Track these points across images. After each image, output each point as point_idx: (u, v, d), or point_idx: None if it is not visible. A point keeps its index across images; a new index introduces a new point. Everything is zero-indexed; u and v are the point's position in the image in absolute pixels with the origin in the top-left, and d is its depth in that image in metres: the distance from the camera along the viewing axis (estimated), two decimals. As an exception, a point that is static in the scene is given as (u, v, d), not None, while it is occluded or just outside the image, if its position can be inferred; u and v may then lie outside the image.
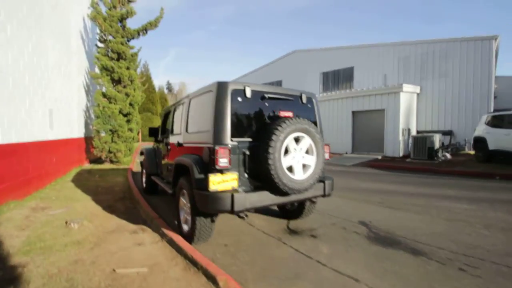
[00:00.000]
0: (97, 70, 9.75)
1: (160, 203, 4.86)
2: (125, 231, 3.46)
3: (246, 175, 2.86)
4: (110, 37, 9.50)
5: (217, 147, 2.60)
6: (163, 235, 3.17)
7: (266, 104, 3.06)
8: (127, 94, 9.81)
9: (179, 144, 3.72)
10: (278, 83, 24.07)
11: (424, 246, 2.97)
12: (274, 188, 2.73)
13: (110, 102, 9.35)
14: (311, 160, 2.99)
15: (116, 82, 9.75)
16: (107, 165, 9.64)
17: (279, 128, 2.68)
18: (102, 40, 9.60)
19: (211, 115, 2.82)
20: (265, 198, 2.77)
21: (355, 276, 2.36)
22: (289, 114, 3.16)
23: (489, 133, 8.67)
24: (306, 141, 2.94)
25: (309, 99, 3.50)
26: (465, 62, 13.74)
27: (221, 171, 2.61)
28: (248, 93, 2.90)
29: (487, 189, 6.03)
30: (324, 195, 3.26)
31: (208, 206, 2.60)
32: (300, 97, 3.39)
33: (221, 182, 2.57)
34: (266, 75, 24.66)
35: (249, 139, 2.89)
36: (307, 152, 3.00)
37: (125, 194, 5.60)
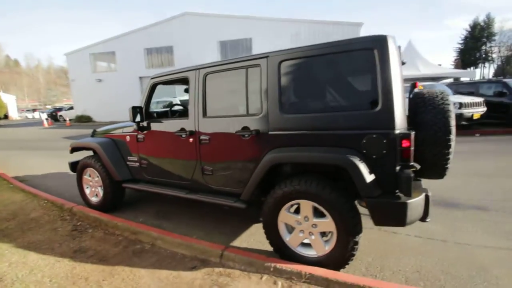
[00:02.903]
0: None
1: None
2: None
3: None
4: None
5: (403, 134, 1.80)
6: (281, 274, 2.07)
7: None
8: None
9: (241, 132, 2.40)
10: (169, 50, 20.99)
11: None
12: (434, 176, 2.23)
13: None
14: None
15: None
16: None
17: (448, 100, 2.14)
18: None
19: (375, 85, 1.88)
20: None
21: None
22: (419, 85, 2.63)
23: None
24: None
25: None
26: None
27: (410, 167, 1.85)
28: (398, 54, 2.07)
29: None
30: None
31: (402, 217, 1.82)
32: None
33: (411, 182, 1.84)
34: (152, 39, 20.87)
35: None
36: None
37: (76, 219, 3.35)
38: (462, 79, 16.20)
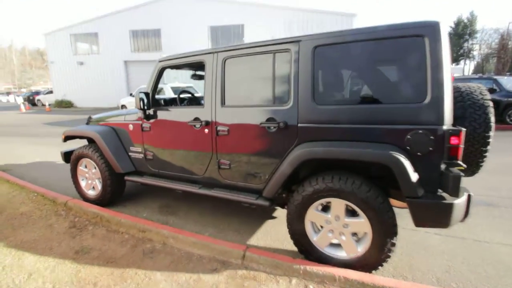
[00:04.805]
0: None
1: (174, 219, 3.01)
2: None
3: None
4: None
5: (453, 131, 1.68)
6: (312, 278, 1.94)
7: None
8: None
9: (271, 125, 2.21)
10: (156, 33, 20.01)
11: None
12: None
13: None
14: None
15: None
16: None
17: (488, 95, 2.03)
18: None
19: (424, 75, 1.72)
20: None
21: None
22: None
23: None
24: None
25: None
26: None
27: (456, 165, 1.74)
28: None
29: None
30: None
31: (447, 219, 1.71)
32: None
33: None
34: (138, 21, 19.79)
35: None
36: None
37: (73, 215, 3.06)
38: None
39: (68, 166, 3.54)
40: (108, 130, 3.22)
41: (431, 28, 1.70)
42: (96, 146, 3.22)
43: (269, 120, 2.19)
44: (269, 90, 2.24)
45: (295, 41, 2.09)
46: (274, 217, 3.00)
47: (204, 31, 18.86)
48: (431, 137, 1.71)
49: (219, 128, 2.43)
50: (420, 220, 1.78)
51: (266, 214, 3.05)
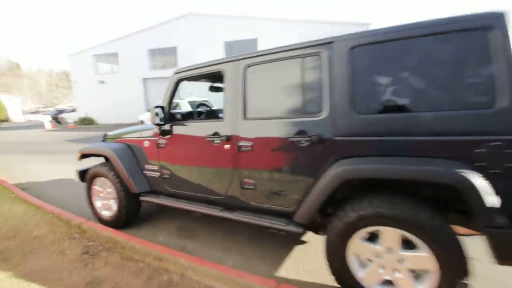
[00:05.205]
0: None
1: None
2: None
3: None
4: None
5: None
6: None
7: None
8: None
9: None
10: (172, 50, 20.56)
11: None
12: None
13: None
14: None
15: None
16: None
17: None
18: None
19: (497, 74, 1.40)
20: None
21: None
22: None
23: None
24: None
25: None
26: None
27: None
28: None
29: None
30: None
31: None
32: None
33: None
34: (155, 40, 20.47)
35: None
36: None
37: (87, 239, 2.88)
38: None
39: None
40: (124, 147, 3.05)
41: (499, 20, 1.39)
42: (111, 164, 3.06)
43: (299, 133, 1.91)
44: (298, 100, 1.97)
45: (327, 42, 1.83)
46: (303, 242, 2.66)
47: (219, 47, 19.17)
48: (510, 151, 1.36)
49: (241, 143, 2.18)
50: (505, 256, 1.40)
51: (294, 238, 2.72)
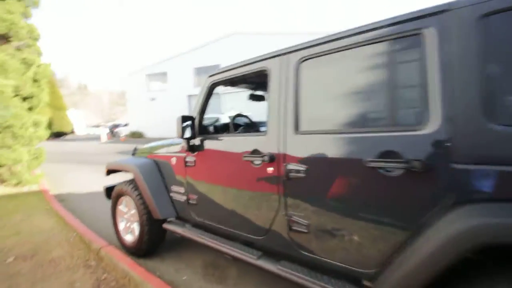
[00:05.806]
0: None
1: None
2: None
3: None
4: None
5: None
6: None
7: None
8: (25, 62, 5.57)
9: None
10: (215, 68, 21.19)
11: None
12: None
13: (-10, 74, 5.05)
14: None
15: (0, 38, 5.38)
16: (-8, 190, 5.33)
17: None
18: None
19: None
20: None
21: None
22: None
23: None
24: None
25: None
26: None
27: None
28: None
29: None
30: None
31: None
32: None
33: None
34: (200, 59, 21.44)
35: None
36: None
37: (102, 269, 2.48)
38: None
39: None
40: (150, 163, 2.65)
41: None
42: (136, 182, 2.67)
43: (385, 155, 1.22)
44: (381, 104, 1.31)
45: (436, 12, 1.16)
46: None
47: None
48: None
49: (290, 166, 1.55)
50: None
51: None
